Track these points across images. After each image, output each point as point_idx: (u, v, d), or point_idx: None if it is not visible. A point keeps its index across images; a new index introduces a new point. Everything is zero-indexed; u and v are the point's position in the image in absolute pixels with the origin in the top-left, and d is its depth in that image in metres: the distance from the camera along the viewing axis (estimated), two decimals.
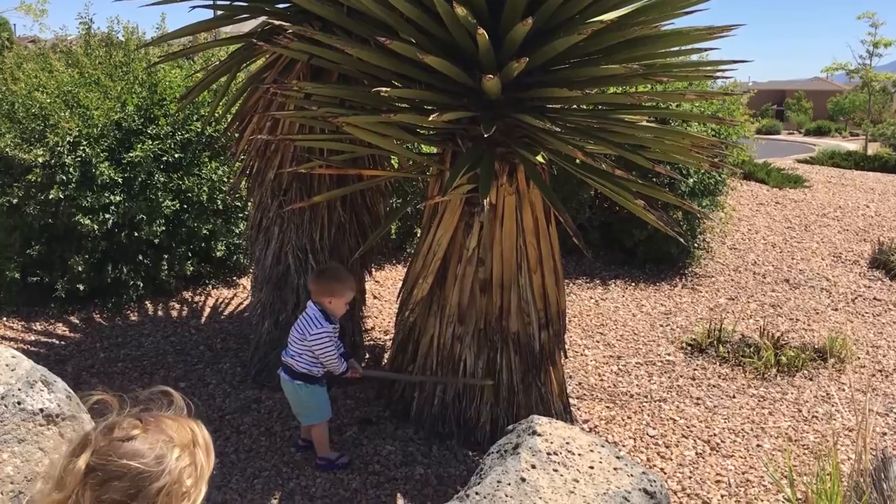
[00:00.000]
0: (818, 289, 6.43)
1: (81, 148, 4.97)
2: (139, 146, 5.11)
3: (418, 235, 5.06)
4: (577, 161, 3.21)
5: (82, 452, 1.23)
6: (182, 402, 1.42)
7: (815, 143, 22.85)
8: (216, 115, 5.00)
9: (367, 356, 4.58)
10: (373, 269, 4.79)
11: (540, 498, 2.37)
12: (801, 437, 3.89)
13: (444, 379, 3.63)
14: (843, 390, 4.45)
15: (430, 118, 2.87)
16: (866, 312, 5.89)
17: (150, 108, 5.37)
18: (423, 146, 4.49)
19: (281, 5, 3.76)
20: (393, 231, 6.40)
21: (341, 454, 3.45)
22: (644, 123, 3.65)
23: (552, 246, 3.59)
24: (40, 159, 4.84)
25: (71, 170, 4.90)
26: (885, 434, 3.94)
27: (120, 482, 1.21)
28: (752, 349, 4.86)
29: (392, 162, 4.59)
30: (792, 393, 4.38)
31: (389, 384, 3.98)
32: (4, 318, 5.10)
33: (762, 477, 3.47)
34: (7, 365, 3.11)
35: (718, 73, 3.50)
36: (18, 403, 2.98)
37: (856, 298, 6.21)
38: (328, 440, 3.45)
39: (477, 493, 2.42)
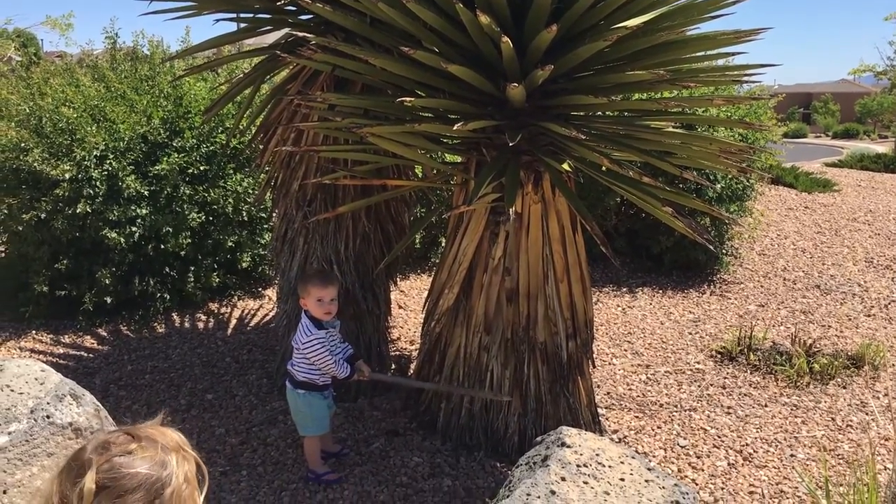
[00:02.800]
0: (850, 294, 6.32)
1: (108, 162, 5.01)
2: (165, 159, 5.15)
3: (443, 245, 5.04)
4: (604, 168, 3.18)
5: (85, 473, 1.25)
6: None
7: (843, 146, 22.59)
8: (240, 127, 5.02)
9: (393, 367, 4.56)
10: (398, 279, 4.78)
11: None
12: (835, 446, 3.81)
13: (462, 389, 3.60)
14: (879, 398, 4.36)
15: (455, 127, 2.85)
16: None
17: (175, 122, 5.41)
18: (447, 155, 4.48)
19: (304, 17, 3.77)
20: (417, 241, 6.38)
21: (331, 470, 3.42)
22: (671, 129, 3.60)
23: (579, 254, 3.56)
24: (67, 174, 4.88)
25: (98, 184, 4.95)
26: None
27: (134, 494, 1.25)
28: (783, 357, 4.78)
29: (416, 172, 4.58)
30: (825, 401, 4.30)
31: (416, 395, 3.96)
32: (33, 332, 5.14)
33: (797, 488, 3.40)
34: (36, 379, 3.13)
35: (746, 78, 3.45)
36: (48, 417, 2.99)
37: (889, 304, 6.10)
38: (319, 454, 3.42)
39: None
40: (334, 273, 3.86)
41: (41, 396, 3.05)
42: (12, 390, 3.04)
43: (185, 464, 1.34)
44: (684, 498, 2.46)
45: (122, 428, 1.37)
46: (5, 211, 5.05)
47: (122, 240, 4.99)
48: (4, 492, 2.81)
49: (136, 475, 1.27)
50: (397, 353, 4.83)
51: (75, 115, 5.11)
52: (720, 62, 3.55)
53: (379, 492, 3.30)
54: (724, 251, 6.69)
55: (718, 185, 6.28)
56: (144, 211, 5.07)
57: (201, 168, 5.35)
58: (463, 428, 3.65)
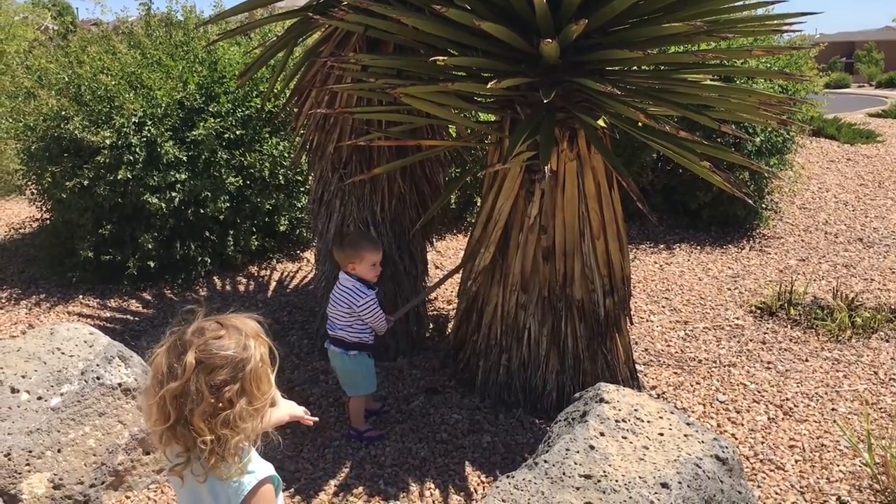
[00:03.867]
0: (894, 247, 6.21)
1: (147, 128, 5.07)
2: (202, 124, 5.19)
3: (478, 204, 5.04)
4: (640, 124, 3.14)
5: (187, 350, 1.61)
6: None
7: (887, 96, 21.93)
8: (275, 90, 5.03)
9: (431, 326, 4.61)
10: (434, 240, 4.79)
11: (609, 465, 2.36)
12: (878, 400, 3.78)
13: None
14: None
15: (489, 86, 2.84)
16: None
17: (210, 87, 5.44)
18: (481, 114, 4.46)
19: None
20: (453, 201, 6.39)
21: (373, 427, 3.48)
22: (708, 82, 3.54)
23: (615, 211, 3.53)
24: (108, 140, 4.95)
25: (137, 150, 5.02)
26: None
27: (223, 369, 1.62)
28: (824, 311, 4.72)
29: (450, 131, 4.56)
30: (868, 355, 4.25)
31: (454, 353, 4.00)
32: (80, 296, 5.28)
33: (838, 441, 3.39)
34: (85, 342, 3.23)
35: (786, 27, 3.36)
36: (98, 378, 3.09)
37: None
38: (363, 412, 3.49)
39: (546, 461, 2.42)
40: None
41: (91, 358, 3.15)
42: (63, 353, 3.14)
43: (262, 347, 1.70)
44: (724, 452, 2.47)
45: (213, 317, 1.71)
46: (49, 179, 5.15)
47: (163, 205, 5.07)
48: (59, 451, 2.91)
49: (224, 356, 1.62)
50: (435, 312, 4.87)
51: (113, 83, 5.17)
52: (759, 11, 3.45)
53: (420, 448, 3.36)
54: (763, 206, 6.59)
55: (758, 139, 6.16)
56: (183, 176, 5.13)
57: (237, 132, 5.39)
58: (501, 385, 3.69)
